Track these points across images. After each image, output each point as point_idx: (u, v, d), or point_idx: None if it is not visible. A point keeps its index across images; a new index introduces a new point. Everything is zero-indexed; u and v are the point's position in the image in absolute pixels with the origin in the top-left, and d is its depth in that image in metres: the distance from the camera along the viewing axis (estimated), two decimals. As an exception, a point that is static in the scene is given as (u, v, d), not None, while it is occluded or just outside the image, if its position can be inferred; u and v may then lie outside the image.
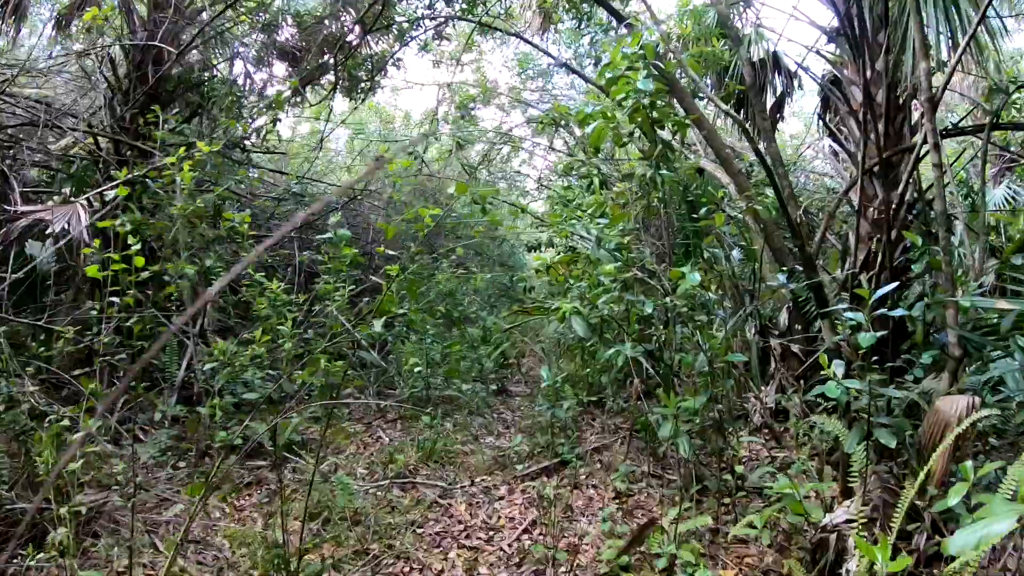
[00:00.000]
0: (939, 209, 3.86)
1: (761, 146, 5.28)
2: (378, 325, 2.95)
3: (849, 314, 3.27)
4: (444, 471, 5.24)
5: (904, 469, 4.27)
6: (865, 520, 3.57)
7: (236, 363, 3.32)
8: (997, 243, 8.02)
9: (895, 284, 3.35)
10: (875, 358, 3.39)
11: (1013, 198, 9.47)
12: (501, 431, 6.22)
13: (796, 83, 8.48)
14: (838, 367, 3.15)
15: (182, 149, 3.75)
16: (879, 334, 3.23)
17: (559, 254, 7.08)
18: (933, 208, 6.91)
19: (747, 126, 8.57)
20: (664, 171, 3.97)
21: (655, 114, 3.90)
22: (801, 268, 4.79)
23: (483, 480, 5.01)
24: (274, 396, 3.33)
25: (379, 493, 4.81)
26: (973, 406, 3.78)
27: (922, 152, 7.12)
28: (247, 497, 5.12)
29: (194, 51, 9.25)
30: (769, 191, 4.84)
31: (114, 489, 4.67)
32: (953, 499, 3.33)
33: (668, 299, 3.98)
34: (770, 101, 8.72)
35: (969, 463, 3.40)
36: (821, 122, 8.36)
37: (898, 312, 3.21)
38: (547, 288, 8.39)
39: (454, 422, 6.20)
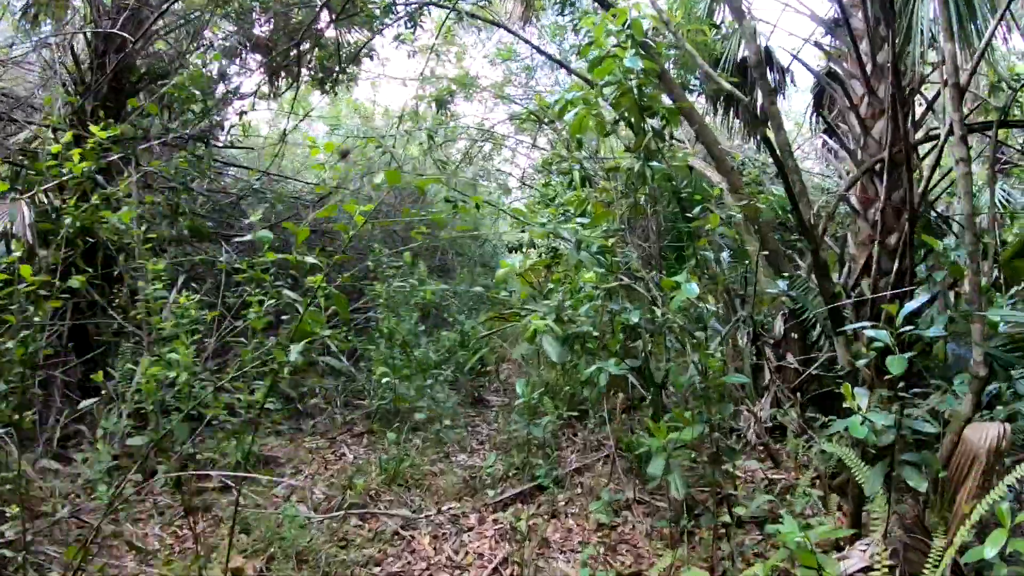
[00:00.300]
0: (966, 210, 3.29)
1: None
2: (296, 352, 2.33)
3: (871, 332, 2.69)
4: (409, 495, 4.63)
5: (913, 497, 3.71)
6: (885, 570, 2.99)
7: (143, 388, 2.69)
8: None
9: (927, 298, 2.76)
10: (902, 385, 2.81)
11: (1007, 200, 8.98)
12: (475, 447, 5.61)
13: (789, 79, 7.94)
14: (861, 397, 2.56)
15: (69, 133, 3.11)
16: (908, 355, 2.65)
17: (541, 255, 6.48)
18: (935, 209, 6.39)
19: (737, 115, 8.01)
20: (655, 163, 3.37)
21: (644, 100, 3.30)
22: (813, 275, 4.20)
23: (451, 507, 4.40)
24: (168, 440, 2.70)
25: (334, 524, 4.19)
26: (1004, 435, 3.23)
27: (934, 147, 6.58)
28: (193, 525, 4.49)
29: (161, 41, 8.59)
30: (777, 188, 4.22)
31: (47, 516, 4.03)
32: (990, 550, 2.75)
33: (659, 311, 3.39)
34: (761, 99, 8.17)
35: (1006, 505, 2.83)
36: (815, 118, 7.81)
37: (934, 332, 2.63)
38: (528, 291, 7.79)
39: (424, 437, 5.58)
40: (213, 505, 4.74)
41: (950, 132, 3.45)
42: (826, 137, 7.26)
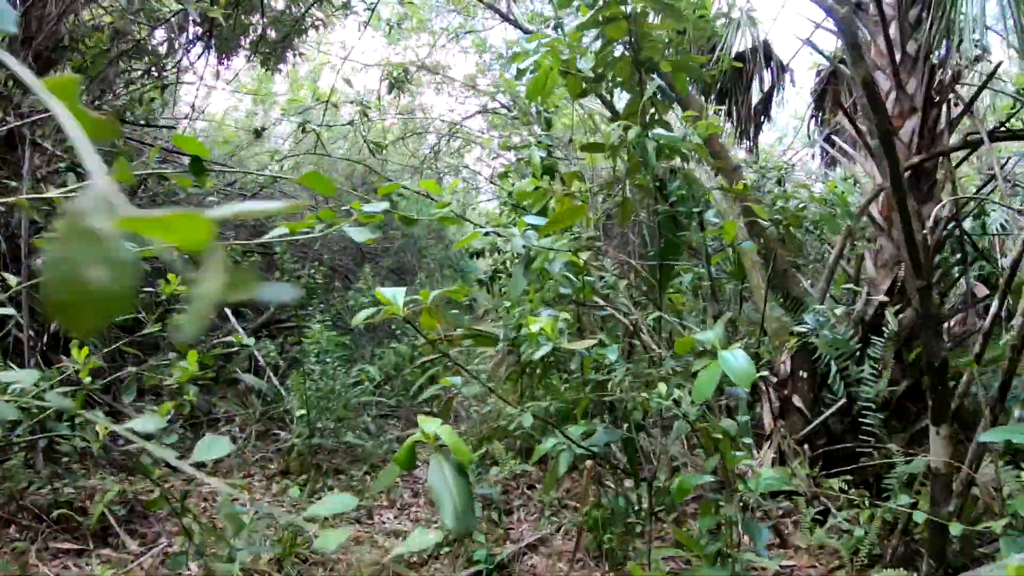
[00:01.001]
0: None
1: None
2: None
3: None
4: (308, 577, 3.27)
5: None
6: None
7: None
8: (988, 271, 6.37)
9: None
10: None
11: (1005, 223, 7.84)
12: (408, 500, 4.24)
13: (788, 78, 6.71)
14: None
15: None
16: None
17: (505, 263, 5.19)
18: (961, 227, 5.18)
19: (729, 114, 6.77)
20: (661, 132, 2.05)
21: (640, 30, 1.97)
22: (918, 324, 2.85)
23: (357, 605, 3.05)
24: None
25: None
26: None
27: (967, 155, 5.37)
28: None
29: (88, 9, 7.15)
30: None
31: None
32: None
33: (673, 399, 2.10)
34: (756, 98, 6.95)
35: None
36: (815, 122, 6.60)
37: None
38: (488, 302, 6.45)
39: (347, 484, 4.21)
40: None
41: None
42: (832, 142, 6.02)
